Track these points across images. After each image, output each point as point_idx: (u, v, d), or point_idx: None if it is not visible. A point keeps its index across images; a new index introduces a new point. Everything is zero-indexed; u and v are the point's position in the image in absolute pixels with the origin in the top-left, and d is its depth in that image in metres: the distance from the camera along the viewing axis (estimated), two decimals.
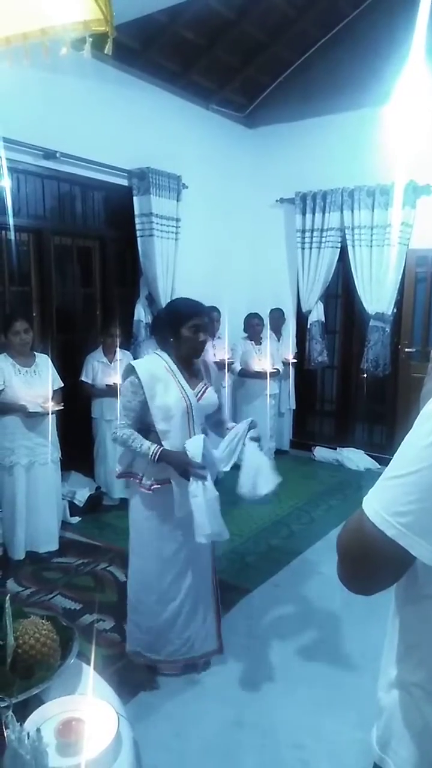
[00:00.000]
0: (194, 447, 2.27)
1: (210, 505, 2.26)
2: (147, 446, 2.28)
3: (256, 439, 2.46)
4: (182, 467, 2.27)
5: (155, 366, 2.36)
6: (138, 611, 2.53)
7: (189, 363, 2.45)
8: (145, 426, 2.36)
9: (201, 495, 2.24)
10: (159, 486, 2.35)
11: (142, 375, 2.30)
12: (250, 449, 2.43)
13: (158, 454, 2.27)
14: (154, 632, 2.50)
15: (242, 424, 2.50)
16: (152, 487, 2.35)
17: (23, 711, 1.20)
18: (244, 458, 2.42)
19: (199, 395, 2.41)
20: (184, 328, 2.35)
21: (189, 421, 2.36)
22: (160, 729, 2.26)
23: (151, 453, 2.27)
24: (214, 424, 2.60)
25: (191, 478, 2.25)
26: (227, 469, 2.42)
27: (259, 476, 2.43)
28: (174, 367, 2.38)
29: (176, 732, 2.27)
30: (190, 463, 2.25)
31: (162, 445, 2.30)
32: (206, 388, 2.46)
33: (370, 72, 4.98)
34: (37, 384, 3.52)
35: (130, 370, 2.35)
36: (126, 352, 4.40)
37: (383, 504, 0.83)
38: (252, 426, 2.49)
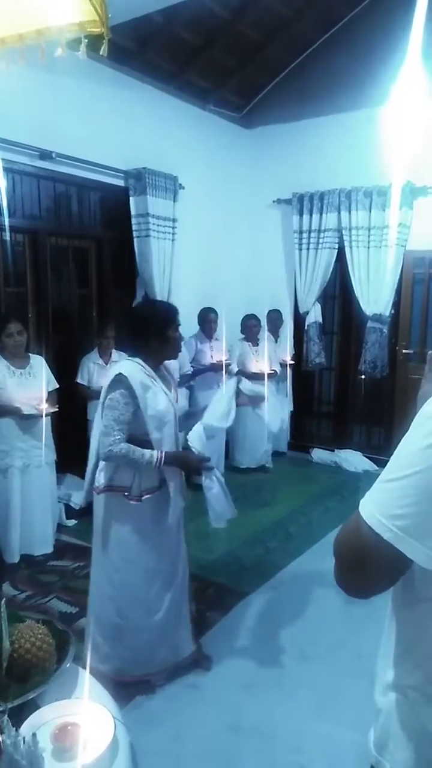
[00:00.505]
0: (197, 440, 2.28)
1: (224, 491, 2.35)
2: (149, 454, 2.23)
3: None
4: (193, 465, 2.29)
5: (140, 374, 2.28)
6: (122, 629, 2.43)
7: (158, 368, 2.39)
8: (132, 438, 2.26)
9: (216, 486, 2.31)
10: (149, 495, 2.32)
11: (135, 385, 2.22)
12: (251, 387, 2.58)
13: (163, 458, 2.23)
14: (140, 647, 2.44)
15: (230, 382, 2.57)
16: (143, 497, 2.31)
17: (19, 715, 1.20)
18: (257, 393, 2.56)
19: (175, 399, 2.42)
20: (171, 329, 2.34)
21: (176, 427, 2.36)
22: (157, 733, 2.25)
23: (155, 460, 2.22)
24: None
25: (203, 474, 2.29)
26: (229, 424, 2.45)
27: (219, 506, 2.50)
28: (153, 373, 2.33)
29: (173, 736, 2.26)
30: (199, 459, 2.27)
31: (162, 451, 2.27)
32: (176, 392, 2.47)
33: (367, 73, 4.98)
34: (32, 386, 3.50)
35: (120, 381, 2.23)
36: (122, 353, 4.38)
37: (380, 507, 0.83)
38: (239, 380, 2.61)
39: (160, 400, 2.28)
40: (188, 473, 2.32)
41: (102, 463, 2.35)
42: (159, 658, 2.49)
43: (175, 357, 2.45)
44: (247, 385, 2.60)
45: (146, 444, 2.26)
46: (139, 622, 2.43)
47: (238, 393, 2.52)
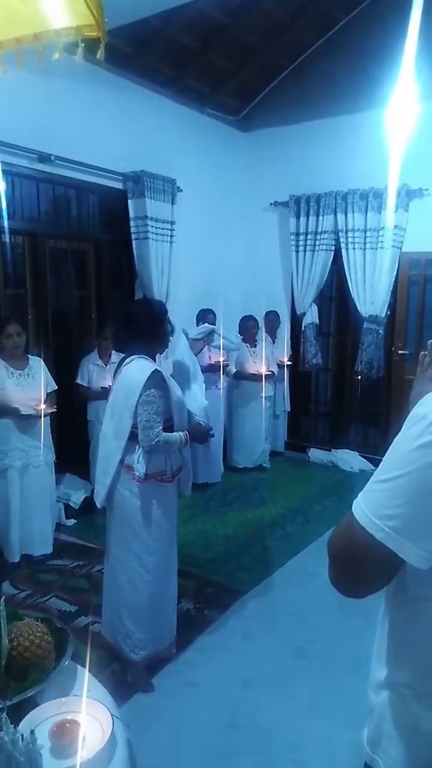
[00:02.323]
0: (202, 414, 2.68)
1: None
2: (179, 436, 2.48)
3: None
4: (203, 435, 2.64)
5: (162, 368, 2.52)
6: (155, 610, 2.57)
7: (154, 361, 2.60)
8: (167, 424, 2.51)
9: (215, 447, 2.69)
10: (178, 473, 2.59)
11: (167, 379, 2.48)
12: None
13: (188, 438, 2.52)
14: (166, 622, 2.65)
15: (181, 348, 3.01)
16: (175, 477, 2.57)
17: (18, 713, 1.20)
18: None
19: None
20: (164, 325, 2.56)
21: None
22: (155, 730, 2.26)
23: (183, 439, 2.49)
24: None
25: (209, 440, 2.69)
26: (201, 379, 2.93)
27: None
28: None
29: (171, 733, 2.27)
30: (206, 429, 2.68)
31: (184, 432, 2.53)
32: None
33: (363, 76, 5.00)
34: (31, 387, 3.52)
35: (155, 378, 2.39)
36: (121, 355, 4.39)
37: (372, 507, 0.84)
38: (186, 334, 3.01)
39: (177, 387, 2.55)
40: (198, 443, 2.66)
41: (137, 456, 2.44)
42: (171, 632, 2.70)
43: (163, 350, 2.68)
44: (192, 332, 3.02)
45: (169, 429, 2.48)
46: (168, 597, 2.66)
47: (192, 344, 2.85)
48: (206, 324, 2.85)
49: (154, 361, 2.53)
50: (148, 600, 2.54)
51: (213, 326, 3.45)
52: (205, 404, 2.78)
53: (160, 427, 2.40)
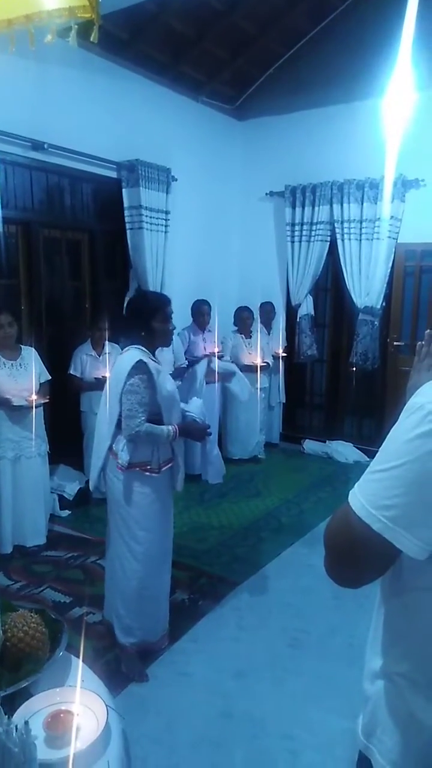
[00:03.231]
0: (200, 409, 2.60)
1: (218, 451, 2.84)
2: (166, 429, 2.45)
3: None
4: (198, 433, 2.59)
5: (150, 360, 2.48)
6: (144, 599, 2.59)
7: (154, 354, 2.58)
8: (155, 417, 2.50)
9: (215, 447, 2.72)
10: (166, 466, 2.55)
11: (153, 370, 2.42)
12: (225, 365, 2.92)
13: (177, 432, 2.48)
14: (157, 613, 2.65)
15: (199, 365, 2.88)
16: (162, 469, 2.52)
17: (11, 704, 1.20)
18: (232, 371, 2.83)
19: None
20: (155, 320, 2.48)
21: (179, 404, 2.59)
22: (150, 721, 2.27)
23: (171, 433, 2.46)
24: None
25: (206, 439, 2.64)
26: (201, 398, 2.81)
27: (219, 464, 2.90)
28: (155, 358, 2.54)
29: (165, 723, 2.28)
30: (204, 427, 2.58)
31: (175, 424, 2.50)
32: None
33: (359, 65, 4.97)
34: (23, 377, 3.50)
35: (139, 368, 2.40)
36: (115, 345, 4.37)
37: (368, 497, 0.84)
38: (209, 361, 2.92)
39: (168, 382, 2.50)
40: (195, 440, 2.65)
41: (122, 443, 2.48)
42: (163, 623, 2.71)
43: (166, 345, 2.64)
44: (223, 365, 2.95)
45: (157, 422, 2.47)
46: (159, 589, 2.65)
47: (208, 372, 2.76)
48: (196, 399, 2.75)
49: (153, 354, 2.53)
50: (136, 588, 2.57)
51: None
52: (200, 403, 2.70)
53: (143, 418, 2.39)
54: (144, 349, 2.48)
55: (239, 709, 2.36)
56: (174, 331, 2.64)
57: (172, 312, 2.56)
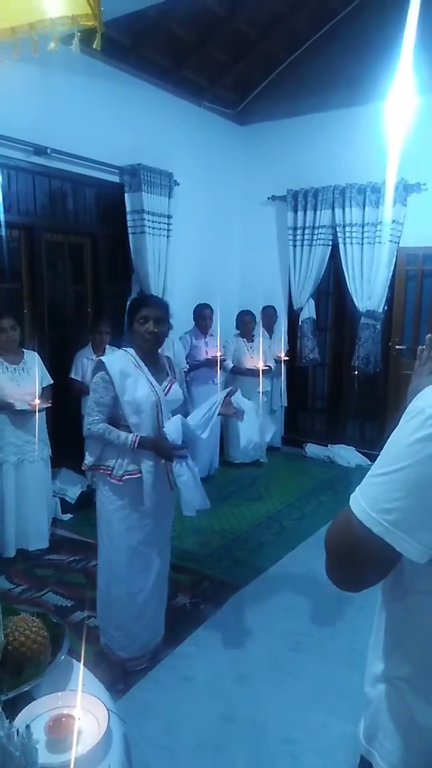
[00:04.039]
0: (173, 430, 2.34)
1: (195, 482, 2.39)
2: (125, 436, 2.35)
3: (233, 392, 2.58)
4: (164, 451, 2.36)
5: (124, 362, 2.42)
6: (110, 606, 2.56)
7: (153, 358, 2.51)
8: (113, 420, 2.41)
9: (186, 474, 2.35)
10: (130, 476, 2.40)
11: (112, 371, 2.36)
12: (241, 401, 2.55)
13: (137, 441, 2.34)
14: (125, 628, 2.54)
15: (220, 394, 2.58)
16: (124, 477, 2.40)
17: (13, 708, 1.20)
18: (245, 409, 2.55)
19: (166, 390, 2.47)
20: (135, 321, 2.42)
21: (158, 415, 2.42)
22: (151, 725, 2.27)
23: (129, 442, 2.34)
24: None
25: (175, 460, 2.35)
26: (205, 436, 2.45)
27: (261, 422, 2.59)
28: (140, 362, 2.44)
29: (167, 727, 2.28)
30: (172, 446, 2.33)
31: (137, 434, 2.37)
32: (172, 383, 2.52)
33: (361, 70, 4.99)
34: (26, 381, 3.51)
35: (99, 366, 2.40)
36: (116, 349, 4.38)
37: (369, 501, 0.84)
38: (231, 393, 2.59)
39: (140, 388, 2.38)
40: (162, 458, 2.40)
41: (90, 443, 2.46)
42: (140, 643, 2.57)
43: (147, 348, 2.45)
44: (238, 397, 2.65)
45: (125, 427, 2.39)
46: (122, 600, 2.52)
47: (225, 404, 2.58)
48: (176, 417, 2.42)
49: (145, 355, 2.46)
50: (103, 591, 2.57)
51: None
52: (178, 421, 2.38)
53: (97, 417, 2.36)
54: (131, 351, 2.45)
55: (240, 713, 2.36)
56: (154, 333, 2.41)
57: (151, 314, 2.40)
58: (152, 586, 2.55)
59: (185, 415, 2.54)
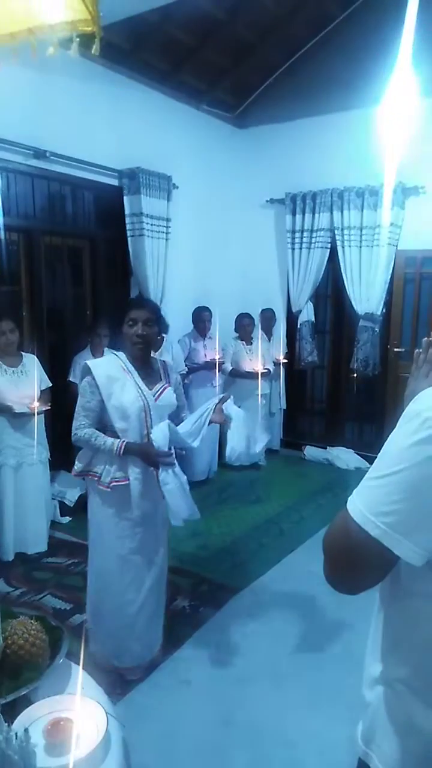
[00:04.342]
0: (159, 436, 2.28)
1: (182, 490, 2.31)
2: (111, 442, 2.31)
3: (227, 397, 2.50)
4: (150, 457, 2.29)
5: (112, 366, 2.39)
6: (100, 613, 2.52)
7: (145, 362, 2.45)
8: (102, 425, 2.38)
9: (172, 482, 2.28)
10: (118, 483, 2.36)
11: (98, 376, 2.33)
12: (231, 408, 2.44)
13: (123, 447, 2.29)
14: (115, 638, 2.49)
15: (212, 399, 2.52)
16: (111, 484, 2.36)
17: (11, 711, 1.20)
18: (233, 417, 2.43)
19: (157, 395, 2.41)
20: (124, 324, 2.38)
21: (146, 420, 2.36)
22: (150, 728, 2.26)
23: (115, 448, 2.29)
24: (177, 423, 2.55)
25: (161, 468, 2.28)
26: (196, 444, 2.41)
27: (249, 434, 2.46)
28: (130, 366, 2.40)
29: (166, 731, 2.27)
30: (158, 452, 2.26)
31: (124, 440, 2.32)
32: (164, 389, 2.46)
33: (359, 73, 5.00)
34: (24, 384, 3.51)
35: (86, 371, 2.37)
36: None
37: (367, 504, 0.85)
38: (224, 399, 2.51)
39: (127, 393, 2.34)
40: (147, 464, 2.33)
41: (81, 449, 2.44)
42: (132, 654, 2.51)
43: (135, 351, 2.40)
44: (229, 405, 2.51)
45: (113, 432, 2.35)
46: (112, 610, 2.47)
47: (217, 411, 2.46)
48: (164, 423, 2.33)
49: (136, 359, 2.42)
50: (94, 597, 2.54)
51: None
52: (165, 428, 2.31)
53: (83, 422, 2.33)
54: (122, 355, 2.42)
55: (239, 717, 2.36)
56: (142, 336, 2.36)
57: (139, 317, 2.35)
58: (144, 597, 2.49)
59: (180, 421, 2.50)
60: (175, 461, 2.31)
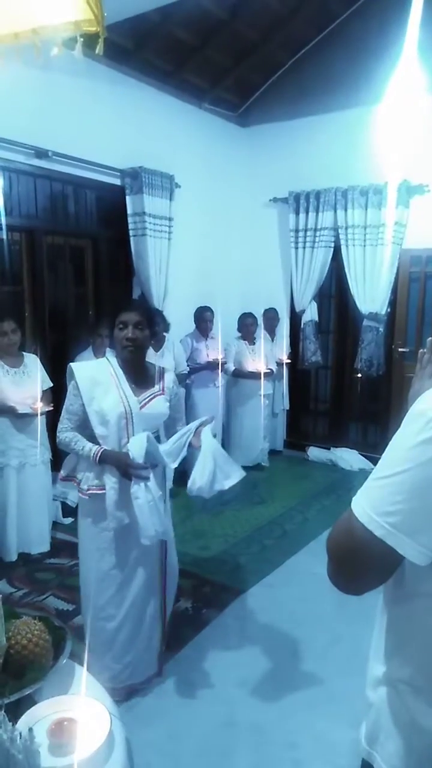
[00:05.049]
0: (136, 446, 2.19)
1: (152, 507, 2.18)
2: (89, 448, 2.24)
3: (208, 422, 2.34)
4: (123, 467, 2.21)
5: (98, 370, 2.33)
6: (84, 624, 2.43)
7: (137, 367, 2.35)
8: (88, 430, 2.30)
9: (142, 496, 2.16)
10: (95, 491, 2.28)
11: (80, 379, 2.28)
12: (206, 436, 2.28)
13: (99, 455, 2.22)
14: (93, 652, 2.29)
15: (194, 422, 2.40)
16: (88, 492, 2.29)
17: (15, 711, 1.20)
18: (202, 446, 2.27)
19: (144, 403, 2.31)
20: (116, 327, 2.30)
21: (127, 427, 2.26)
22: (153, 729, 2.26)
23: (92, 454, 2.22)
24: (170, 436, 2.45)
25: (133, 479, 2.18)
26: (174, 465, 2.33)
27: (217, 468, 2.27)
28: (119, 371, 2.32)
29: (169, 732, 2.27)
30: (131, 463, 2.17)
31: (101, 447, 2.25)
32: (154, 397, 2.34)
33: (362, 72, 5.00)
34: (26, 384, 3.50)
35: (70, 374, 2.32)
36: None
37: (372, 504, 0.84)
38: (205, 423, 2.37)
39: (109, 398, 2.26)
40: (120, 473, 2.23)
41: (66, 452, 2.37)
42: (108, 674, 2.31)
43: (125, 356, 2.32)
44: (206, 432, 2.32)
45: (97, 439, 2.28)
46: (91, 623, 2.36)
47: (196, 434, 2.33)
48: (143, 434, 2.23)
49: (126, 363, 2.33)
50: (84, 603, 2.46)
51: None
52: (143, 439, 2.21)
53: (66, 425, 2.29)
54: (112, 358, 2.36)
55: (242, 718, 2.35)
56: (131, 339, 2.26)
57: (129, 320, 2.27)
58: (125, 614, 2.36)
59: (173, 432, 2.40)
60: (150, 475, 2.20)
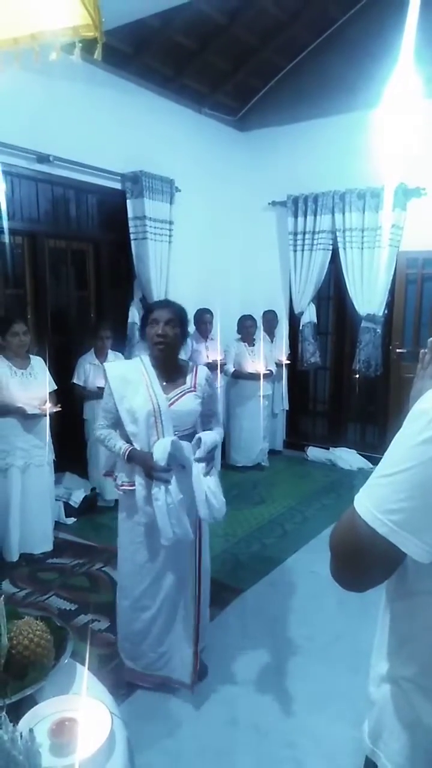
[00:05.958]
0: (159, 450, 2.21)
1: (171, 509, 2.20)
2: (120, 446, 2.31)
3: (202, 460, 2.30)
4: (147, 468, 2.24)
5: (130, 369, 2.36)
6: (119, 613, 2.52)
7: (168, 364, 2.36)
8: (122, 428, 2.34)
9: (162, 498, 2.19)
10: (127, 488, 2.35)
11: (111, 378, 2.33)
12: (194, 475, 2.28)
13: (127, 453, 2.28)
14: (129, 640, 2.48)
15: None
16: (122, 487, 2.37)
17: (17, 711, 1.21)
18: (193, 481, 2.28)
19: (173, 400, 2.30)
20: (147, 326, 2.32)
21: (156, 425, 2.27)
22: (154, 728, 2.26)
23: (121, 452, 2.29)
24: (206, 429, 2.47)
25: (154, 482, 2.22)
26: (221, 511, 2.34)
27: (210, 501, 2.29)
28: (151, 370, 2.33)
29: (170, 731, 2.28)
30: (153, 465, 2.20)
31: (133, 446, 2.29)
32: (184, 394, 2.34)
33: (360, 76, 5.01)
34: (33, 386, 3.53)
35: (104, 373, 2.42)
36: (118, 354, 4.40)
37: (374, 502, 0.85)
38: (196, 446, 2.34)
39: (138, 396, 2.27)
40: (145, 474, 2.27)
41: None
42: (145, 661, 2.45)
43: (156, 354, 2.33)
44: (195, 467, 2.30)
45: (129, 437, 2.33)
46: (126, 612, 2.46)
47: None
48: (165, 439, 2.24)
49: (158, 361, 2.34)
50: (117, 599, 2.52)
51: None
52: (167, 444, 2.21)
53: (102, 423, 2.37)
54: (146, 357, 2.37)
55: (243, 717, 2.36)
56: (162, 335, 2.28)
57: (160, 317, 2.29)
58: (158, 608, 2.40)
59: (208, 429, 2.41)
60: (172, 479, 2.22)
